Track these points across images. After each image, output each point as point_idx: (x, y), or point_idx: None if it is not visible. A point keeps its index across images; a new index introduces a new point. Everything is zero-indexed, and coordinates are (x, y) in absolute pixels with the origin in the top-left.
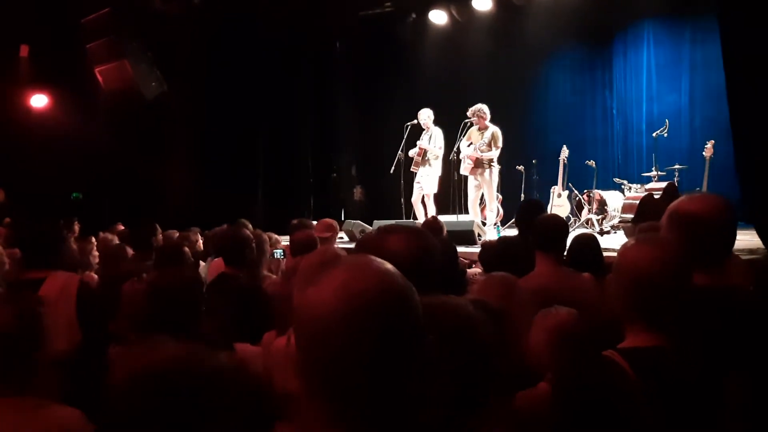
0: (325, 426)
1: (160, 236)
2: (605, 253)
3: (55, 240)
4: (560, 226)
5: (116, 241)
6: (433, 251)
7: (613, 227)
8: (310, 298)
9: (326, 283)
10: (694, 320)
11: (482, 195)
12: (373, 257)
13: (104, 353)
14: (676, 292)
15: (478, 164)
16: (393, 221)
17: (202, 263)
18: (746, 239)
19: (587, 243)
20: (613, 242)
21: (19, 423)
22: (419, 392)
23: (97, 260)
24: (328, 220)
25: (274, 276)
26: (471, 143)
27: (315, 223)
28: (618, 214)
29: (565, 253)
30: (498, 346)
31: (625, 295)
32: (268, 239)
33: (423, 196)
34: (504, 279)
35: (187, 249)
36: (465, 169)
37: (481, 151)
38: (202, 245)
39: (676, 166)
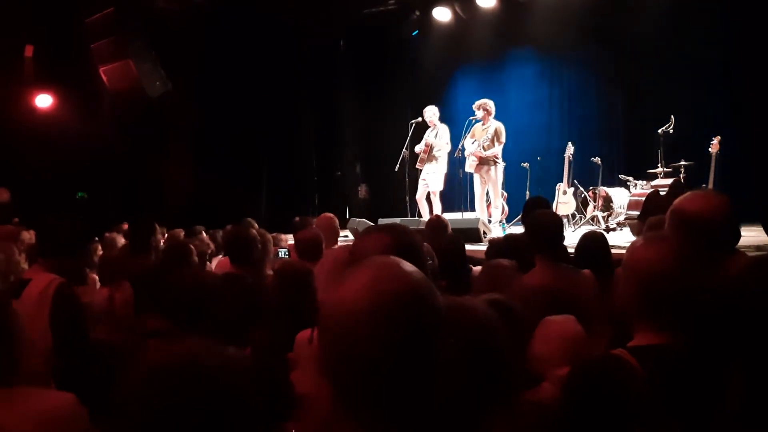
0: (347, 423)
1: (159, 235)
2: (611, 251)
3: (70, 237)
4: (553, 223)
5: (122, 241)
6: (414, 251)
7: (618, 224)
8: (337, 297)
9: (353, 282)
10: (702, 318)
11: (488, 192)
12: (398, 259)
13: (80, 361)
14: (686, 291)
15: (483, 161)
16: (398, 219)
17: (207, 263)
18: (752, 235)
19: (596, 241)
20: (619, 239)
21: (9, 412)
22: (438, 392)
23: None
24: (327, 214)
25: None
26: (475, 140)
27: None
28: (624, 211)
29: (574, 251)
30: (513, 347)
31: (634, 294)
32: (271, 238)
33: (429, 194)
34: (504, 268)
35: (192, 248)
36: (470, 166)
37: (485, 148)
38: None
39: (682, 163)
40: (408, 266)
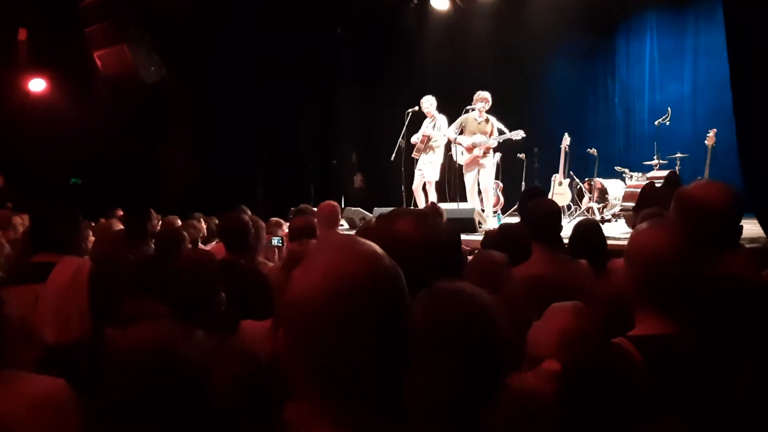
0: (319, 410)
1: (156, 221)
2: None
3: (69, 224)
4: (552, 212)
5: (117, 226)
6: (441, 234)
7: (614, 215)
8: (295, 282)
9: (311, 267)
10: (704, 307)
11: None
12: (359, 239)
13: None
14: (688, 276)
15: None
16: (393, 208)
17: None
18: (747, 228)
19: (591, 230)
20: (613, 230)
21: (1, 396)
22: (411, 374)
23: (91, 246)
24: (329, 202)
25: (271, 263)
26: (462, 132)
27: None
28: (619, 203)
29: (567, 241)
30: (511, 334)
31: (636, 280)
32: (263, 225)
33: (424, 183)
34: (493, 258)
35: (186, 234)
36: (464, 159)
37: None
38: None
39: (678, 155)
40: (368, 246)
